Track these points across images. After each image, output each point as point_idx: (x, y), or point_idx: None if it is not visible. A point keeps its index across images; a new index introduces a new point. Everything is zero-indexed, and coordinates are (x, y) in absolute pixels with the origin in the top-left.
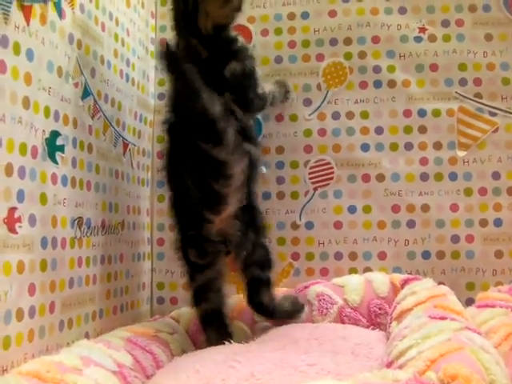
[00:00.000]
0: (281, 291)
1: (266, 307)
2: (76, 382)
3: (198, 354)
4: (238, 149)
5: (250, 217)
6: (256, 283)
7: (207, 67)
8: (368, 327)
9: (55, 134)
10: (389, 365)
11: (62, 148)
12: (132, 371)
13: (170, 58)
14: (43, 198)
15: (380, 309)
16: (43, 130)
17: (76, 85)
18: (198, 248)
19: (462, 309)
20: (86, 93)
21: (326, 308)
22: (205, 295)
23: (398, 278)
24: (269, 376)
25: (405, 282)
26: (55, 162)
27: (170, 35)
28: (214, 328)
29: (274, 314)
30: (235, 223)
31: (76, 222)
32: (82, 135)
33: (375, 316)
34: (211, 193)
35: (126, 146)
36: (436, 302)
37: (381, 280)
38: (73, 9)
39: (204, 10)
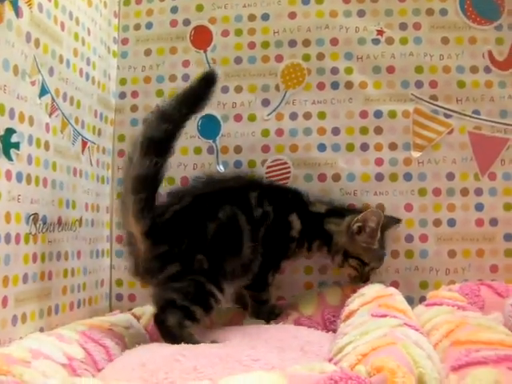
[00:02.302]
0: None
1: None
2: (22, 374)
3: (147, 347)
4: None
5: None
6: None
7: None
8: None
9: (10, 132)
10: (329, 361)
11: (17, 145)
12: (82, 364)
13: None
14: None
15: (334, 316)
16: None
17: (33, 83)
18: None
19: (406, 307)
20: (43, 91)
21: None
22: None
23: (350, 287)
24: (211, 370)
25: (355, 290)
26: (10, 158)
27: (132, 35)
28: None
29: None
30: None
31: (31, 218)
32: (39, 133)
33: (330, 323)
34: None
35: (85, 143)
36: (381, 302)
37: (332, 292)
38: (31, 8)
39: None
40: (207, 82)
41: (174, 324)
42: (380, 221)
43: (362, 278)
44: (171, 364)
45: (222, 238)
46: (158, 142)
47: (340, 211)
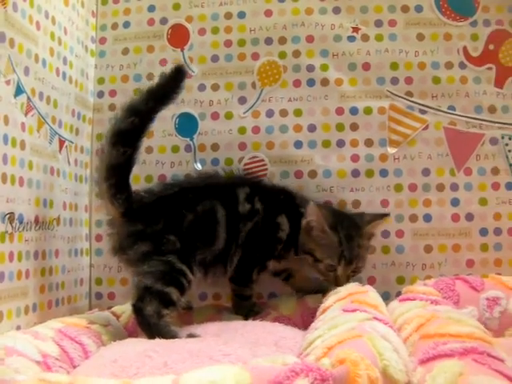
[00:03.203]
0: None
1: None
2: None
3: (121, 343)
4: None
5: None
6: None
7: None
8: None
9: None
10: (299, 355)
11: None
12: (57, 361)
13: None
14: None
15: (313, 317)
16: None
17: (8, 82)
18: None
19: (378, 303)
20: (18, 90)
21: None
22: None
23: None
24: (182, 365)
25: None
26: None
27: (110, 34)
28: None
29: None
30: None
31: (7, 217)
32: (14, 132)
33: (308, 324)
34: None
35: (62, 142)
36: (354, 298)
37: (313, 298)
38: (5, 7)
39: None
40: (176, 77)
41: (152, 313)
42: (319, 216)
43: (336, 281)
44: (142, 360)
45: (196, 228)
46: (125, 133)
47: None
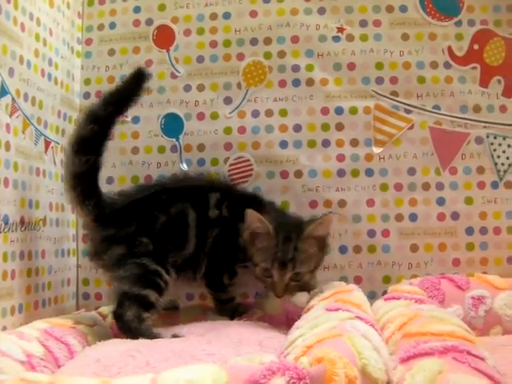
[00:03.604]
0: None
1: None
2: None
3: (105, 344)
4: None
5: None
6: None
7: None
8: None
9: None
10: (280, 355)
11: None
12: (42, 361)
13: None
14: None
15: (299, 317)
16: None
17: None
18: None
19: (361, 302)
20: (3, 92)
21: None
22: None
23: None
24: (164, 364)
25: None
26: None
27: (96, 35)
28: None
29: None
30: None
31: None
32: None
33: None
34: None
35: (48, 143)
36: (338, 297)
37: (299, 294)
38: None
39: None
40: (137, 80)
41: (132, 318)
42: (259, 220)
43: (273, 288)
44: (125, 359)
45: (168, 230)
46: (86, 140)
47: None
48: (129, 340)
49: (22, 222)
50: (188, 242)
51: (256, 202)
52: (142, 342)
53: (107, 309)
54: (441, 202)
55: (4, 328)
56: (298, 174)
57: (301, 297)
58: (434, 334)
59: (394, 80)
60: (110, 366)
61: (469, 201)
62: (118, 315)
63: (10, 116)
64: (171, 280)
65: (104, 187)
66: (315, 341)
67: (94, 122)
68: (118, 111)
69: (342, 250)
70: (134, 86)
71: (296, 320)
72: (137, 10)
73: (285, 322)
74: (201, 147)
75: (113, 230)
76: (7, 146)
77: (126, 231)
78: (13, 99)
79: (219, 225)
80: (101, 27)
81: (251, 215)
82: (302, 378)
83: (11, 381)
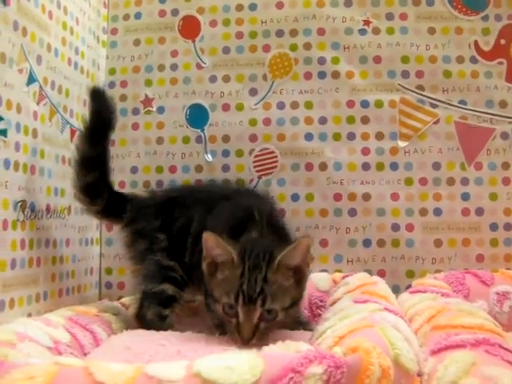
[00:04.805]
0: None
1: None
2: (7, 355)
3: (132, 333)
4: None
5: None
6: None
7: None
8: (309, 319)
9: None
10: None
11: (4, 132)
12: (68, 348)
13: None
14: None
15: (321, 301)
16: None
17: (20, 71)
18: None
19: (387, 294)
20: (31, 79)
21: None
22: None
23: (339, 275)
24: (195, 354)
25: (344, 277)
26: None
27: (121, 25)
28: None
29: None
30: None
31: (19, 205)
32: (27, 120)
33: (316, 308)
34: None
35: (73, 132)
36: (364, 289)
37: (322, 277)
38: None
39: None
40: (98, 100)
41: (153, 318)
42: (209, 247)
43: (238, 331)
44: (156, 348)
45: (179, 235)
46: (92, 185)
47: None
48: (153, 332)
49: (48, 209)
50: (186, 252)
51: (247, 214)
52: (171, 333)
53: (129, 299)
54: (465, 197)
55: (29, 315)
56: (323, 166)
57: (323, 281)
58: (464, 326)
59: (419, 74)
60: (140, 354)
61: (493, 197)
62: (140, 317)
63: (38, 103)
64: (184, 275)
65: (128, 177)
66: (346, 331)
67: (93, 169)
68: (107, 141)
69: (366, 243)
70: (100, 107)
71: (318, 304)
72: (162, 0)
73: (307, 306)
74: (226, 138)
75: (143, 224)
76: (34, 134)
77: (151, 227)
78: (40, 87)
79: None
80: (126, 17)
81: (209, 240)
82: (339, 367)
83: (45, 364)
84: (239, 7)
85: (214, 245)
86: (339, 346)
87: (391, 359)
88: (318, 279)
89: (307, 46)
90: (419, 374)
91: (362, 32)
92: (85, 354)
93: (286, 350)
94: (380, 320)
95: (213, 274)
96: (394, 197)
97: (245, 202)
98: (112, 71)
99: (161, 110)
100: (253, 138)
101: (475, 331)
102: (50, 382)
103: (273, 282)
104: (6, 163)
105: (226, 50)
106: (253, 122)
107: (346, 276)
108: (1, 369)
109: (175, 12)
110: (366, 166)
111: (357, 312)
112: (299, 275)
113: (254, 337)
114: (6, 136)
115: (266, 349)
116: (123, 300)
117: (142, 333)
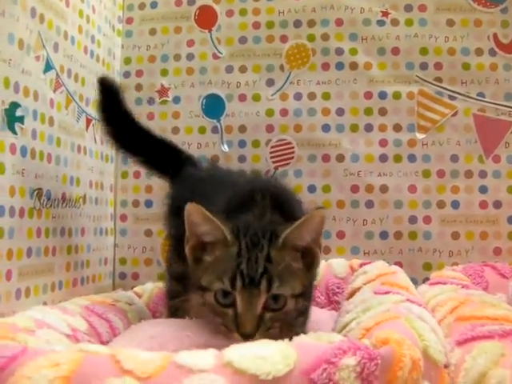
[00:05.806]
0: None
1: None
2: (27, 341)
3: (153, 322)
4: None
5: None
6: None
7: None
8: (325, 305)
9: (15, 105)
10: None
11: (21, 119)
12: (86, 335)
13: None
14: (1, 168)
15: (338, 287)
16: (2, 101)
17: (37, 58)
18: None
19: (408, 284)
20: (47, 66)
21: None
22: None
23: (357, 262)
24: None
25: (361, 265)
26: (14, 132)
27: (137, 14)
28: None
29: None
30: None
31: (35, 193)
32: (43, 108)
33: (333, 294)
34: None
35: (89, 121)
36: (384, 280)
37: (340, 263)
38: None
39: None
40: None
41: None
42: (194, 222)
43: (236, 324)
44: (181, 338)
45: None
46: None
47: None
48: (179, 320)
49: (63, 198)
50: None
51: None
52: (187, 324)
53: (141, 288)
54: (483, 190)
55: (44, 303)
56: (340, 158)
57: (341, 268)
58: (489, 317)
59: (438, 66)
60: (165, 344)
61: (511, 190)
62: None
63: (54, 91)
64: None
65: None
66: (373, 323)
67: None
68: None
69: (383, 235)
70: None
71: (335, 291)
72: None
73: (324, 292)
74: (242, 129)
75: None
76: (51, 121)
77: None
78: (57, 74)
79: None
80: (142, 6)
81: (193, 213)
82: (373, 359)
83: (69, 351)
84: None
85: (200, 220)
86: (367, 339)
87: (420, 351)
88: (335, 265)
89: (325, 37)
90: (446, 366)
91: (381, 23)
92: (102, 343)
93: (317, 340)
94: (405, 311)
95: (199, 259)
96: (412, 189)
97: (245, 184)
98: (127, 60)
99: (177, 99)
100: (269, 129)
101: (501, 322)
102: (75, 369)
103: (278, 261)
104: (23, 150)
105: (243, 40)
106: (270, 113)
107: (364, 264)
108: (24, 356)
109: (191, 1)
110: (383, 158)
111: (379, 303)
112: (309, 258)
113: (256, 332)
114: (23, 123)
115: (297, 339)
116: (136, 289)
117: (164, 322)
